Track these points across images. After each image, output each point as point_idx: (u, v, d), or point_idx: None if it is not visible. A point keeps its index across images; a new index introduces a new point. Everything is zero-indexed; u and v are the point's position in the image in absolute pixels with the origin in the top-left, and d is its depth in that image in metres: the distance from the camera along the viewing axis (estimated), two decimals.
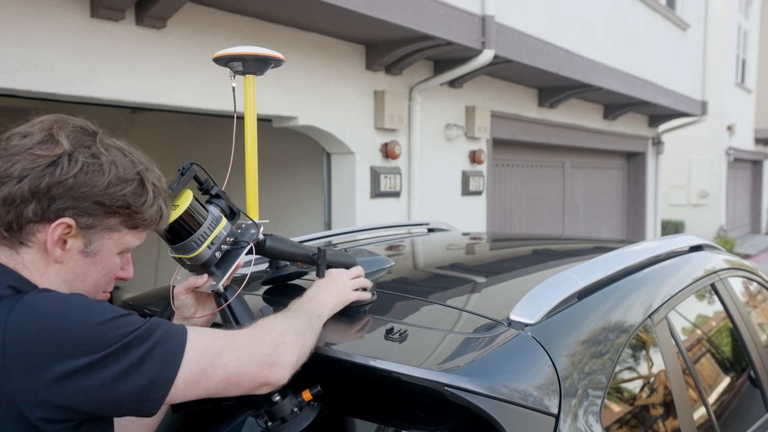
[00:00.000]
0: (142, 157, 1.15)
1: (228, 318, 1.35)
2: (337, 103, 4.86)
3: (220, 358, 1.06)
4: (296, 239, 2.23)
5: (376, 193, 5.23)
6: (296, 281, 1.68)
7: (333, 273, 1.46)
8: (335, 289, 1.41)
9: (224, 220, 1.37)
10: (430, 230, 2.93)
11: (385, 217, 5.34)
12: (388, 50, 4.92)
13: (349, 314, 1.49)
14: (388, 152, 5.28)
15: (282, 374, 1.13)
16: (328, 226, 5.34)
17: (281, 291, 1.65)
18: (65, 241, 1.06)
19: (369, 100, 5.17)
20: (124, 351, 0.98)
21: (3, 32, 3.04)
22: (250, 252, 1.40)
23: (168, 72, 3.70)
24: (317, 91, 4.67)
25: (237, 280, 1.44)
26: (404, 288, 1.80)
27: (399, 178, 5.44)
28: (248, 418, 1.41)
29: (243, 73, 1.51)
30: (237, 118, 1.53)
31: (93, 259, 1.10)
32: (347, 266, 1.52)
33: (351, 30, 4.60)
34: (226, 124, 5.49)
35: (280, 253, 1.52)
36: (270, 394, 1.24)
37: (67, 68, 3.27)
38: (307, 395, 1.26)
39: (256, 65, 1.50)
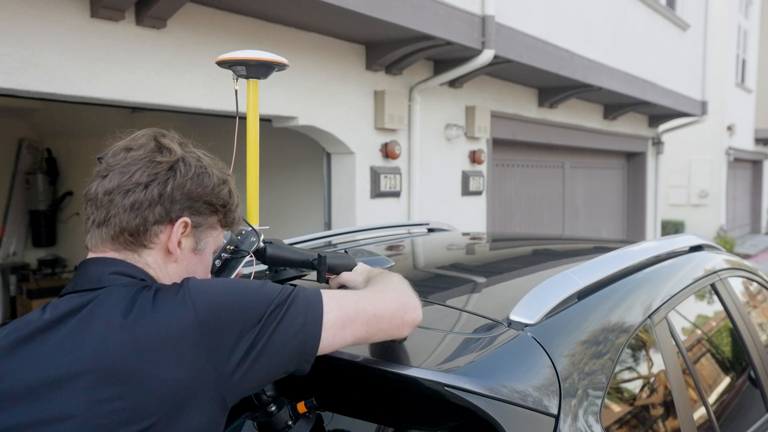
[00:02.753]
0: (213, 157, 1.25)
1: None
2: (337, 103, 4.86)
3: (358, 303, 1.15)
4: (297, 239, 2.24)
5: (376, 193, 5.23)
6: (296, 281, 1.68)
7: (358, 269, 1.49)
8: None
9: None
10: (430, 230, 2.93)
11: (385, 217, 5.34)
12: (388, 50, 4.92)
13: None
14: (388, 152, 5.28)
15: (416, 314, 1.21)
16: (328, 226, 5.34)
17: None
18: (180, 241, 1.14)
19: (369, 100, 5.17)
20: (278, 307, 1.07)
21: (3, 32, 3.04)
22: (250, 261, 1.40)
23: (168, 72, 3.70)
24: (317, 91, 4.67)
25: None
26: None
27: (399, 178, 5.44)
28: (246, 420, 1.41)
29: (246, 77, 1.50)
30: (239, 119, 1.53)
31: (200, 256, 1.19)
32: (348, 268, 1.51)
33: (351, 30, 4.60)
34: (226, 124, 5.49)
35: (280, 261, 1.51)
36: (266, 405, 1.24)
37: (67, 68, 3.27)
38: (302, 407, 1.26)
39: (259, 70, 1.49)
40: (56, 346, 1.01)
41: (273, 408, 1.25)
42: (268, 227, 1.52)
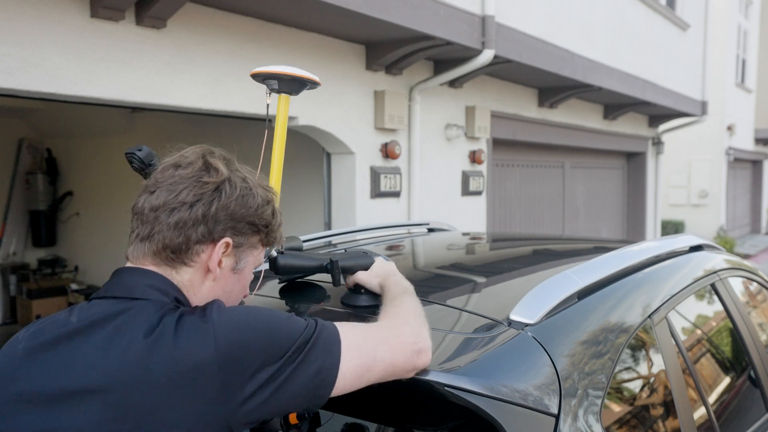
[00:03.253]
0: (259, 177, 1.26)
1: None
2: (337, 103, 4.85)
3: (377, 352, 1.13)
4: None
5: (376, 193, 5.23)
6: (308, 278, 1.68)
7: (377, 265, 1.49)
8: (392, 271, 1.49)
9: None
10: (430, 230, 2.93)
11: (385, 217, 5.34)
12: (388, 50, 4.92)
13: (347, 314, 1.49)
14: (388, 152, 5.28)
15: (427, 358, 1.19)
16: (328, 226, 5.34)
17: (295, 289, 1.65)
18: (221, 260, 1.14)
19: (369, 100, 5.17)
20: (300, 347, 1.06)
21: (3, 32, 3.04)
22: (260, 271, 1.40)
23: (168, 72, 3.70)
24: (317, 91, 4.66)
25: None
26: None
27: (399, 178, 5.44)
28: None
29: (278, 92, 1.50)
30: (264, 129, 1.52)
31: (239, 276, 1.19)
32: (364, 267, 1.49)
33: (351, 30, 4.60)
34: (226, 124, 5.49)
35: (293, 270, 1.50)
36: None
37: (67, 68, 3.27)
38: (293, 418, 1.26)
39: (292, 85, 1.49)
40: (80, 355, 1.01)
41: None
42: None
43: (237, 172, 1.17)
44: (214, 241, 1.12)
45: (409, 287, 1.39)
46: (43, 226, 8.10)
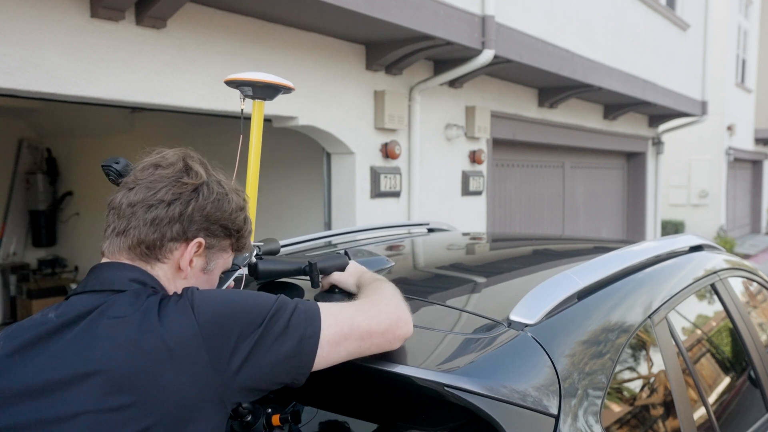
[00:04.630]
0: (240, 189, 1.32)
1: None
2: (337, 103, 4.85)
3: (353, 319, 1.17)
4: (296, 240, 2.24)
5: (376, 193, 5.23)
6: (290, 279, 1.68)
7: (352, 265, 1.53)
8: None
9: None
10: (430, 230, 2.93)
11: (385, 217, 5.34)
12: (388, 50, 4.92)
13: None
14: (388, 152, 5.28)
15: (408, 327, 1.24)
16: (328, 226, 5.34)
17: (275, 289, 1.65)
18: (192, 260, 1.19)
19: (369, 100, 5.17)
20: (277, 315, 1.11)
21: (3, 32, 3.04)
22: (241, 276, 1.42)
23: (168, 72, 3.70)
24: (317, 91, 4.67)
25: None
26: (404, 288, 1.79)
27: (399, 178, 5.44)
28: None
29: (253, 98, 1.51)
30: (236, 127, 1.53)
31: (209, 276, 1.24)
32: (340, 268, 1.54)
33: (351, 30, 4.60)
34: (226, 124, 5.49)
35: (272, 274, 1.53)
36: (242, 414, 1.25)
37: (67, 68, 3.27)
38: (276, 420, 1.27)
39: (266, 91, 1.50)
40: (67, 346, 1.05)
41: (249, 418, 1.26)
42: (261, 243, 1.54)
43: (214, 177, 1.23)
44: (188, 240, 1.17)
45: (384, 279, 1.43)
46: (43, 226, 8.10)
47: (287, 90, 1.52)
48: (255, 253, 1.48)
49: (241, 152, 1.52)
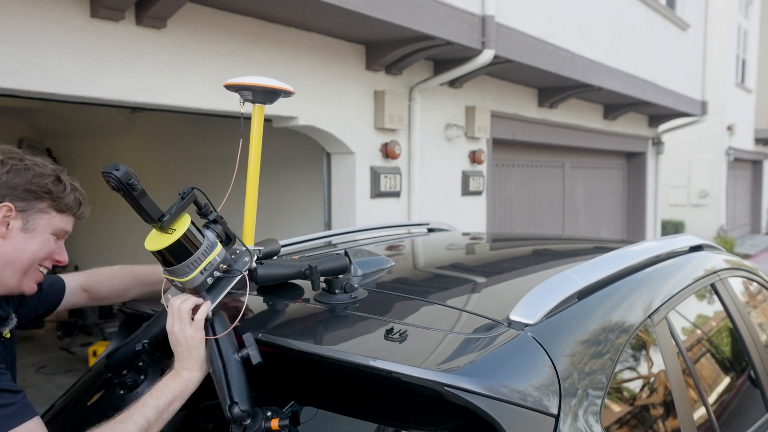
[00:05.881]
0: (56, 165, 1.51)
1: (211, 346, 1.35)
2: (337, 103, 4.86)
3: None
4: (295, 240, 2.24)
5: (376, 193, 5.23)
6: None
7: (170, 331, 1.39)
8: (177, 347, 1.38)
9: (219, 246, 1.38)
10: (430, 230, 2.93)
11: (385, 217, 5.34)
12: (388, 50, 4.91)
13: (347, 314, 1.49)
14: (388, 152, 5.28)
15: None
16: (328, 226, 5.33)
17: (275, 290, 1.65)
18: (8, 223, 1.38)
19: (369, 100, 5.17)
20: None
21: (3, 32, 3.04)
22: (243, 281, 1.42)
23: (168, 72, 3.70)
24: (317, 91, 4.67)
25: (230, 309, 1.45)
26: (404, 288, 1.80)
27: (399, 178, 5.44)
28: None
29: (253, 102, 1.51)
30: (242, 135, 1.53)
31: (30, 234, 1.41)
32: (340, 271, 1.53)
33: (351, 30, 4.60)
34: (226, 124, 5.49)
35: (272, 279, 1.53)
36: (241, 420, 1.26)
37: (67, 68, 3.27)
38: (275, 425, 1.27)
39: (266, 96, 1.50)
40: None
41: (248, 422, 1.26)
42: (262, 248, 1.54)
43: (13, 158, 1.41)
44: None
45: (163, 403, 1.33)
46: None
47: (287, 94, 1.52)
48: (255, 257, 1.48)
49: (241, 155, 1.51)
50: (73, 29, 3.28)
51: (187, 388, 1.34)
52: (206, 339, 1.36)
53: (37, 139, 8.23)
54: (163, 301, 1.44)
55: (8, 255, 1.39)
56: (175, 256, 1.32)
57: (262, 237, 1.66)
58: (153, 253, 1.34)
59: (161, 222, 1.30)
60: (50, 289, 1.69)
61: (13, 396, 1.24)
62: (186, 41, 3.77)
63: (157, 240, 1.32)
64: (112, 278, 1.77)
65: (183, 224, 1.32)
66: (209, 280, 1.36)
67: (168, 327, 1.37)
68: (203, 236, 1.37)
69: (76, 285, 1.74)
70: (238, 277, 1.41)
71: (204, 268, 1.35)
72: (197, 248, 1.33)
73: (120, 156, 7.50)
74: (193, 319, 1.35)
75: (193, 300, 1.37)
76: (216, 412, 1.46)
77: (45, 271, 1.52)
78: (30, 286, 1.47)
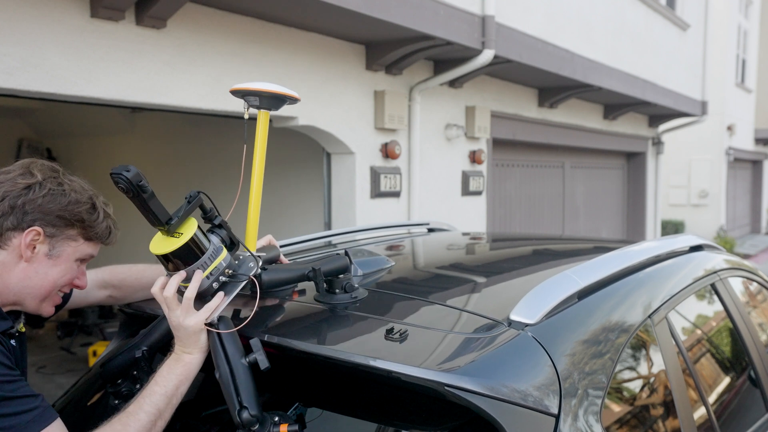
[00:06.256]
0: (93, 188, 1.46)
1: (218, 351, 1.33)
2: (337, 103, 4.86)
3: None
4: (295, 240, 2.24)
5: (376, 193, 5.23)
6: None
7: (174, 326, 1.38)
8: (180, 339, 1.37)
9: (224, 251, 1.38)
10: (430, 230, 2.93)
11: (385, 217, 5.34)
12: (388, 50, 4.92)
13: (348, 314, 1.49)
14: (388, 152, 5.28)
15: None
16: (328, 226, 5.34)
17: (275, 290, 1.65)
18: (35, 246, 1.36)
19: (369, 100, 5.17)
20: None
21: (3, 32, 3.04)
22: (247, 286, 1.41)
23: (168, 72, 3.70)
24: (317, 91, 4.67)
25: (235, 314, 1.45)
26: (404, 288, 1.80)
27: (399, 178, 5.44)
28: None
29: (258, 108, 1.51)
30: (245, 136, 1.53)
31: (54, 261, 1.39)
32: (341, 271, 1.53)
33: (351, 30, 4.60)
34: (226, 124, 5.49)
35: (277, 284, 1.53)
36: (250, 425, 1.25)
37: (67, 68, 3.27)
38: (283, 430, 1.26)
39: (272, 102, 1.50)
40: None
41: (256, 427, 1.25)
42: (263, 254, 1.54)
43: (53, 179, 1.40)
44: (23, 229, 1.34)
45: (171, 387, 1.33)
46: None
47: (293, 101, 1.52)
48: (260, 262, 1.47)
49: (246, 160, 1.51)
50: (73, 29, 3.28)
51: (190, 370, 1.35)
52: (209, 336, 1.35)
53: (37, 139, 8.22)
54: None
55: (29, 279, 1.38)
56: (181, 260, 1.31)
57: (261, 236, 1.66)
58: (158, 256, 1.33)
59: (169, 225, 1.29)
60: None
61: (34, 401, 1.24)
62: (186, 41, 3.77)
63: (163, 243, 1.31)
64: (139, 278, 1.71)
65: (190, 228, 1.31)
66: (215, 285, 1.36)
67: (165, 312, 1.38)
68: (209, 241, 1.36)
69: (90, 283, 1.64)
70: (244, 282, 1.40)
71: (210, 273, 1.34)
72: (203, 253, 1.33)
73: (120, 156, 7.50)
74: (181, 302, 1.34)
75: (174, 283, 1.34)
76: (221, 416, 1.46)
77: (62, 294, 1.49)
78: (48, 310, 1.45)
